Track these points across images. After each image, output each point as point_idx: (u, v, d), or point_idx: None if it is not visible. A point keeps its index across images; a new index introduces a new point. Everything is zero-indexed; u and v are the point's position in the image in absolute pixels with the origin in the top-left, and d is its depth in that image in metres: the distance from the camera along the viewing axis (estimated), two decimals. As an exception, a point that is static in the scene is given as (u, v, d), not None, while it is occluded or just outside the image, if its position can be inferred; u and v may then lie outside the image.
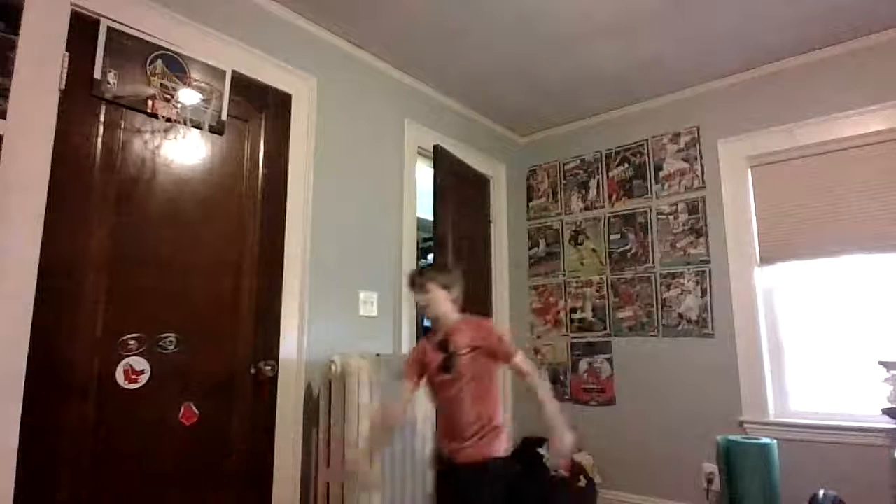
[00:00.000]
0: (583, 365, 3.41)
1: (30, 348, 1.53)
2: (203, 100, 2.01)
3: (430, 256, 3.69)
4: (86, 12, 1.76)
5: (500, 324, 3.52)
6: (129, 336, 1.77)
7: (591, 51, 2.77)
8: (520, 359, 1.69)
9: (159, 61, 1.92)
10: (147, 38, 1.89)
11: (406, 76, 3.00)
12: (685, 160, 3.19)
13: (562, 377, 3.48)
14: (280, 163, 2.30)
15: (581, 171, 3.62)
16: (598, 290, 3.42)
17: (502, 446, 1.69)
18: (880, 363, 2.38)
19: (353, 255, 2.58)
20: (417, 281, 1.78)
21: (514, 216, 3.78)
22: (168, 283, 1.89)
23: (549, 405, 1.64)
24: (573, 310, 3.51)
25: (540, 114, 3.56)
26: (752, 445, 2.54)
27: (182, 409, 1.87)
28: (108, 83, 1.79)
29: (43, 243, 1.59)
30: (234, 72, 2.12)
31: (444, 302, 1.74)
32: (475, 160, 3.39)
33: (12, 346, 1.50)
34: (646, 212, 3.29)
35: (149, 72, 1.88)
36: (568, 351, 3.49)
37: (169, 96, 1.92)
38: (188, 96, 1.98)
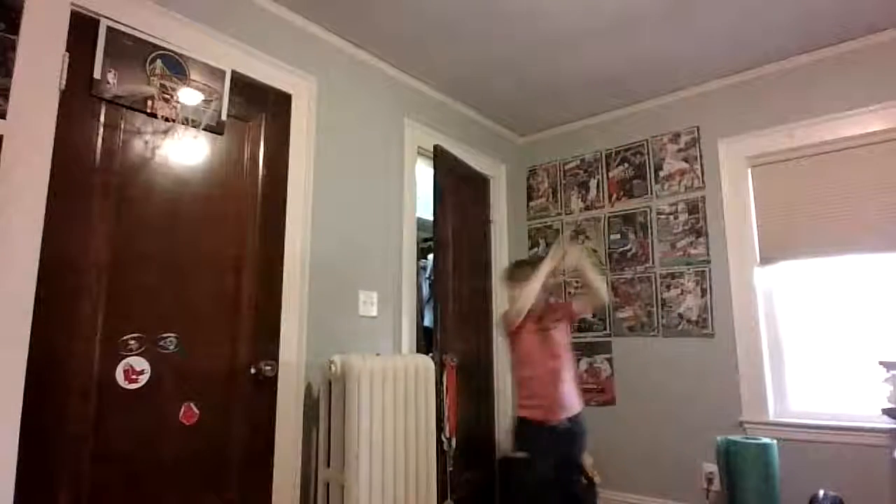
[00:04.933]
0: (583, 365, 3.40)
1: (30, 348, 1.53)
2: (203, 100, 2.01)
3: (430, 256, 3.69)
4: (86, 12, 1.75)
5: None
6: (129, 336, 1.77)
7: (591, 50, 2.77)
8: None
9: (159, 61, 1.92)
10: (147, 38, 1.89)
11: (406, 76, 3.00)
12: (685, 160, 3.19)
13: (562, 377, 3.48)
14: (280, 163, 2.30)
15: (581, 171, 3.62)
16: (598, 290, 3.41)
17: None
18: (880, 363, 2.38)
19: (353, 255, 2.58)
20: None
21: (514, 216, 3.78)
22: (168, 283, 1.89)
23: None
24: (573, 310, 3.50)
25: (540, 114, 3.55)
26: (752, 445, 2.54)
27: (182, 409, 1.87)
28: (108, 83, 1.79)
29: (43, 243, 1.58)
30: (234, 72, 2.12)
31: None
32: (475, 160, 3.39)
33: (12, 346, 1.50)
34: (646, 212, 3.29)
35: (149, 72, 1.88)
36: (568, 351, 3.48)
37: (169, 96, 1.92)
38: (188, 96, 1.98)
